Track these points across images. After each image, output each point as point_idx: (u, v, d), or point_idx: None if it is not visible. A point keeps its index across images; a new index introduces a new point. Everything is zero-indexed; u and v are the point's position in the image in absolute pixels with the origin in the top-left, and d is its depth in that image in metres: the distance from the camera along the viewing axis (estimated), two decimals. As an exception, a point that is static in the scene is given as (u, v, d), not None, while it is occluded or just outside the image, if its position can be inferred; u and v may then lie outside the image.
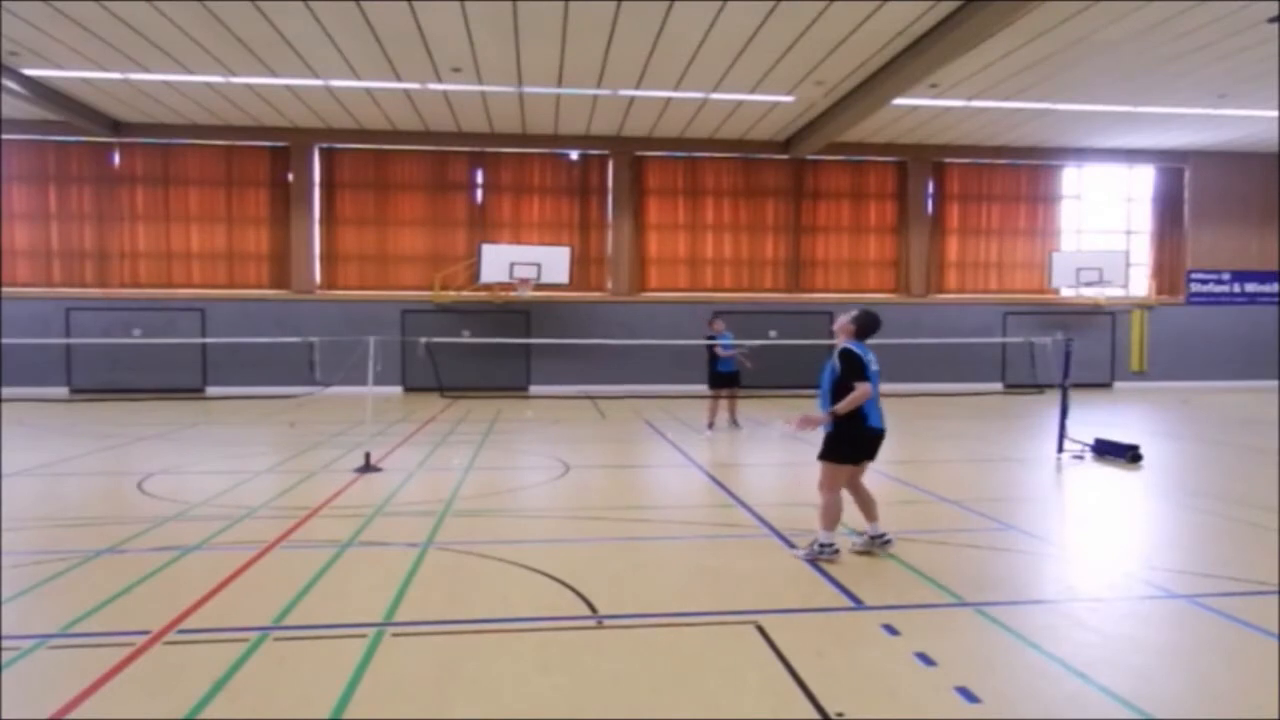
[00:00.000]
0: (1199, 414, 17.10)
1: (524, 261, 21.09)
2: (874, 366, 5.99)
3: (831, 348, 6.15)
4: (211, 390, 21.52)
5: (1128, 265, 23.43)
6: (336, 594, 5.31)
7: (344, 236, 22.46)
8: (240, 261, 22.18)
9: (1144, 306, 24.24)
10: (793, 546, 6.22)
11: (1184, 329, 24.34)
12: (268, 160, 22.15)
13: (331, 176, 22.36)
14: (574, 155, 22.95)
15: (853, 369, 5.87)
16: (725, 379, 13.79)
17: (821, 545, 5.92)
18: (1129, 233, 24.71)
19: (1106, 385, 24.02)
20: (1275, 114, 19.74)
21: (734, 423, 14.01)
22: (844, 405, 5.83)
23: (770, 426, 14.45)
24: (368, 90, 18.46)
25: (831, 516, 5.96)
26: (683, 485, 9.49)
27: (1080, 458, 10.79)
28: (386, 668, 4.13)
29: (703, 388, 14.65)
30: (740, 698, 3.84)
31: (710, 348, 13.85)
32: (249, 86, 18.19)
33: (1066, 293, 23.87)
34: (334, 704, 3.74)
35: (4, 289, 21.05)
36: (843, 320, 6.15)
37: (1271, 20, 14.26)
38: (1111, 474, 9.87)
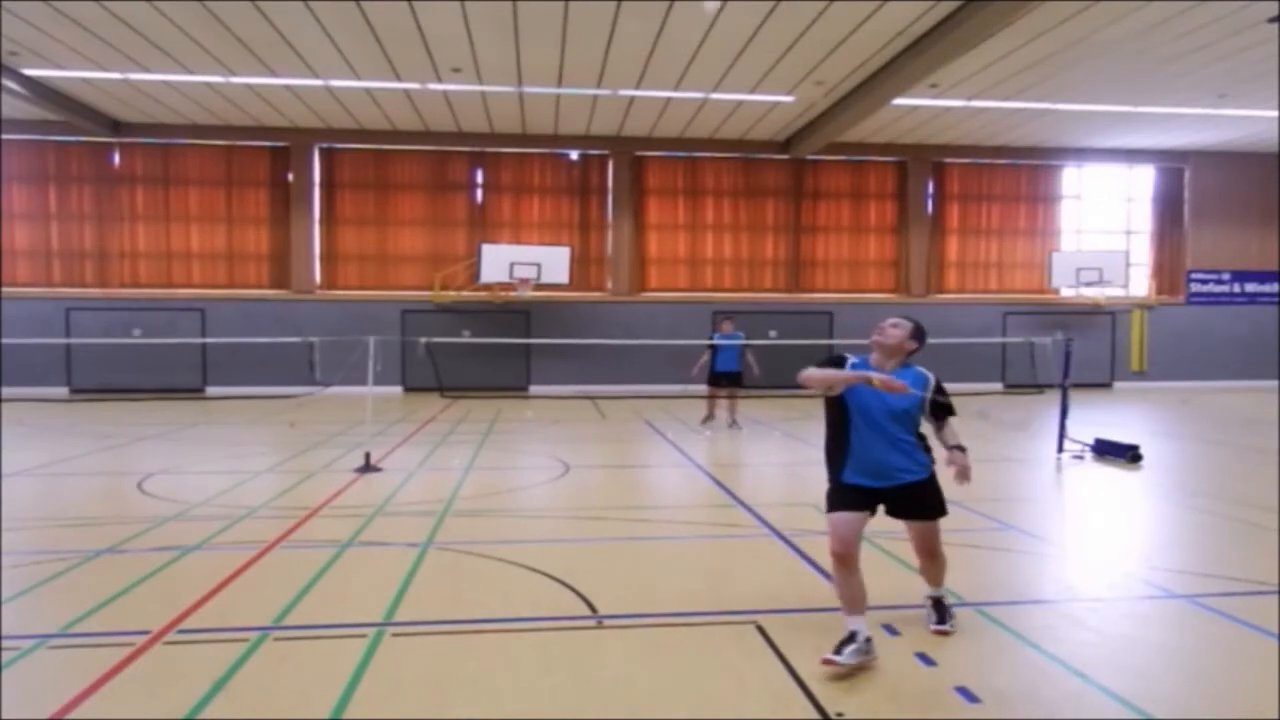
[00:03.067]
0: (1199, 414, 17.10)
1: (524, 261, 21.09)
2: None
3: (830, 350, 4.88)
4: (211, 390, 21.52)
5: (1128, 265, 23.43)
6: (336, 594, 5.31)
7: (344, 236, 22.46)
8: (240, 261, 22.17)
9: (1144, 306, 24.24)
10: (940, 621, 4.61)
11: (1184, 329, 24.33)
12: (268, 160, 22.14)
13: (331, 176, 22.36)
14: (574, 155, 22.95)
15: (949, 399, 4.63)
16: (719, 377, 14.07)
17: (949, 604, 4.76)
18: (1129, 233, 24.71)
19: (1106, 385, 24.02)
20: (1275, 114, 19.73)
21: (734, 423, 14.02)
22: (958, 437, 4.65)
23: (770, 426, 14.45)
24: (368, 90, 18.46)
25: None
26: (683, 485, 9.49)
27: (1080, 458, 10.79)
28: (386, 668, 4.13)
29: (703, 388, 14.76)
30: (740, 698, 3.84)
31: (709, 346, 14.34)
32: (249, 86, 18.19)
33: (1066, 293, 23.86)
34: (334, 704, 3.74)
35: (4, 289, 21.05)
36: (898, 334, 4.59)
37: (1271, 20, 14.25)
38: (1111, 474, 9.87)
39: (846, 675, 3.99)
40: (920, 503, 4.51)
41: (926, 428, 4.63)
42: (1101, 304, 23.77)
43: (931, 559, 4.67)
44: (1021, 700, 3.81)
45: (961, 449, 4.57)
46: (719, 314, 15.83)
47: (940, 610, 4.64)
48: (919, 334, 4.65)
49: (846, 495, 4.43)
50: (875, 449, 4.42)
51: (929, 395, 4.54)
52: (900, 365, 4.58)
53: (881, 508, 4.52)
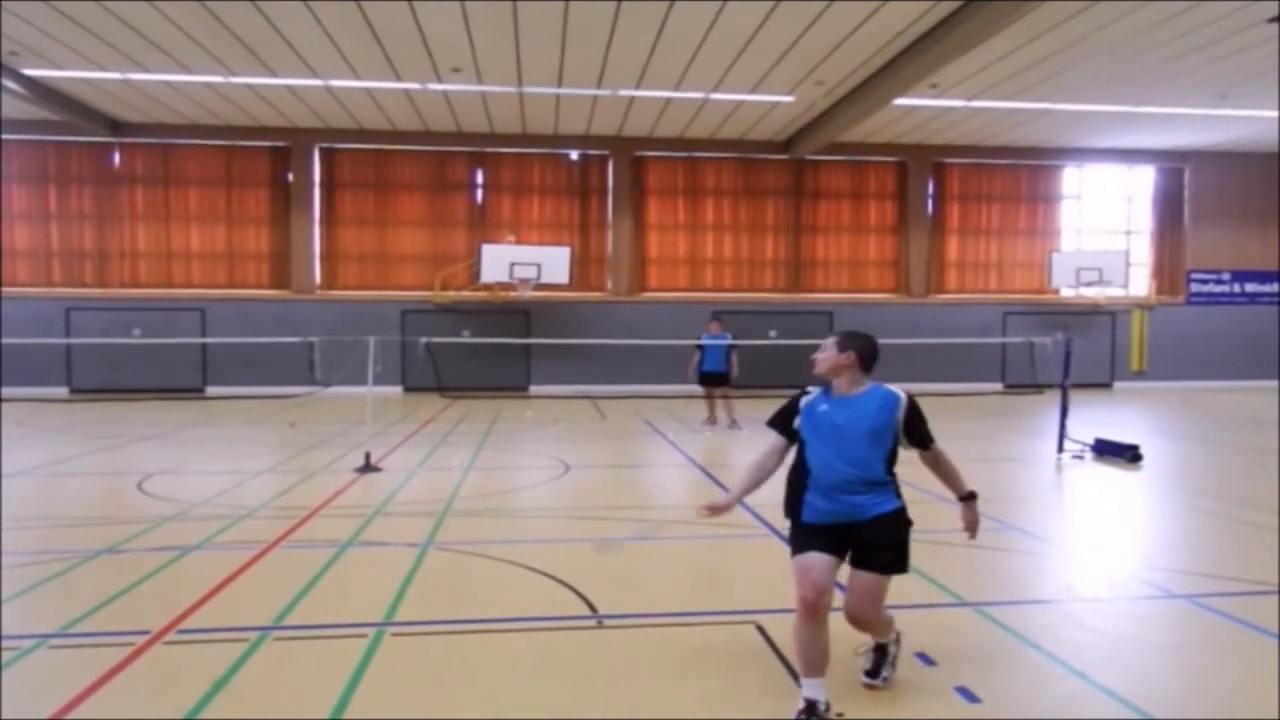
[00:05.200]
0: (1199, 414, 17.10)
1: (524, 262, 21.09)
2: None
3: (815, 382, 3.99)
4: (211, 390, 21.51)
5: (1128, 265, 23.40)
6: (336, 594, 5.32)
7: (344, 236, 22.45)
8: (240, 261, 22.17)
9: (1144, 306, 24.23)
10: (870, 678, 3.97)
11: (1184, 329, 24.31)
12: (268, 160, 22.13)
13: (331, 176, 22.35)
14: (574, 155, 22.95)
15: (927, 423, 3.90)
16: (705, 378, 14.32)
17: (895, 644, 4.06)
18: (1129, 233, 24.69)
19: (1106, 385, 24.01)
20: (1275, 114, 19.72)
21: (733, 423, 14.04)
22: (961, 478, 4.00)
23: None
24: (368, 90, 18.45)
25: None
26: (683, 485, 9.49)
27: (1080, 458, 10.79)
28: (386, 668, 4.13)
29: (701, 389, 14.86)
30: (740, 697, 3.84)
31: (696, 347, 14.63)
32: (249, 86, 18.18)
33: (1066, 293, 23.85)
34: (334, 704, 3.74)
35: (4, 289, 21.04)
36: (824, 357, 3.92)
37: (1271, 20, 14.24)
38: (1111, 474, 9.87)
39: (846, 675, 3.99)
40: (876, 544, 3.77)
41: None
42: (1101, 304, 23.76)
43: (863, 627, 3.90)
44: (1021, 700, 3.81)
45: (972, 497, 3.98)
46: (717, 314, 16.01)
47: (877, 657, 3.98)
48: (849, 341, 3.88)
49: (810, 536, 3.80)
50: (833, 482, 3.77)
51: (900, 418, 3.81)
52: (854, 385, 3.87)
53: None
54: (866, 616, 3.82)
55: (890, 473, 3.84)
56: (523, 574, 5.72)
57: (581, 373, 22.34)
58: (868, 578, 3.77)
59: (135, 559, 6.05)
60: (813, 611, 3.60)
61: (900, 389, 3.89)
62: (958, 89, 18.13)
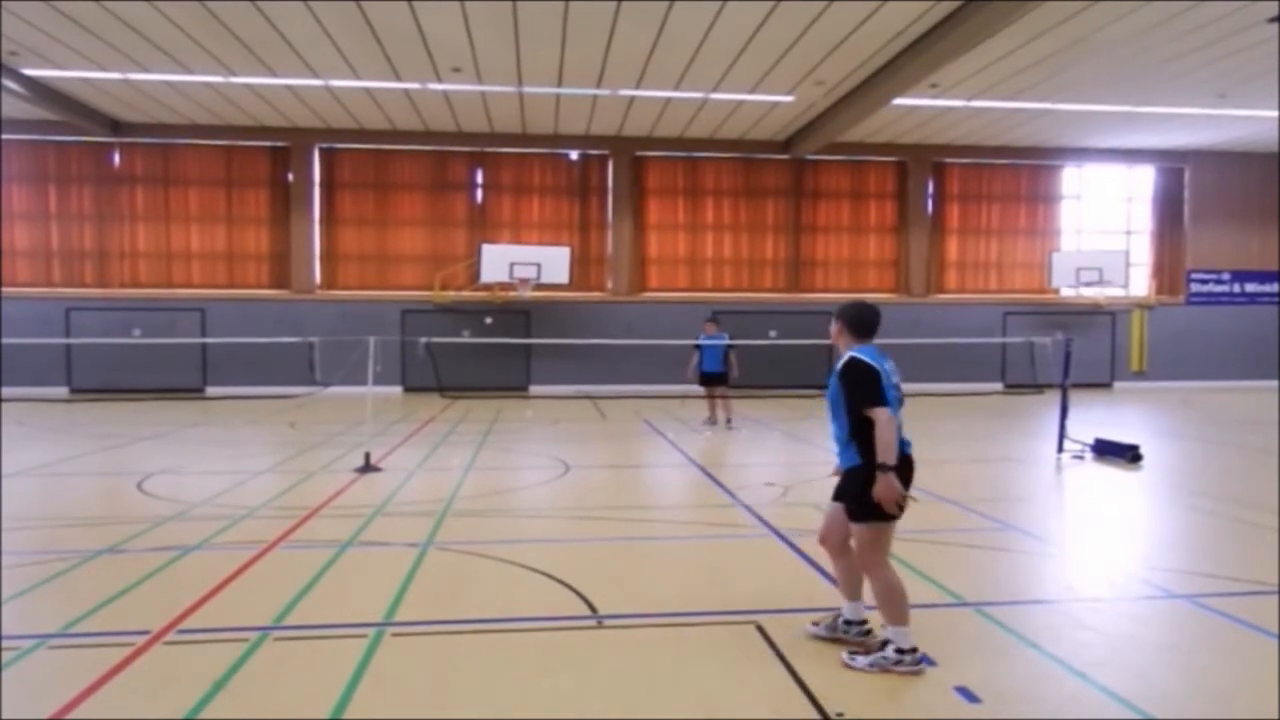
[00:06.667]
0: (1199, 414, 17.10)
1: (524, 261, 21.09)
2: (894, 379, 4.23)
3: (830, 354, 4.67)
4: (211, 390, 21.51)
5: (1128, 265, 23.40)
6: (336, 594, 5.32)
7: (344, 236, 22.45)
8: (240, 261, 22.17)
9: (1144, 306, 24.23)
10: (854, 656, 4.16)
11: (1184, 329, 24.32)
12: (268, 160, 22.13)
13: (331, 176, 22.35)
14: (574, 155, 22.95)
15: (865, 388, 4.07)
16: (704, 378, 14.39)
17: (900, 651, 4.06)
18: (1129, 233, 24.69)
19: (1106, 385, 24.01)
20: (1275, 114, 19.73)
21: (729, 423, 14.05)
22: (884, 449, 3.99)
23: (769, 426, 14.45)
24: (368, 90, 18.45)
25: (901, 601, 4.13)
26: (683, 485, 9.49)
27: (1080, 458, 10.79)
28: (386, 668, 4.13)
29: (701, 389, 14.86)
30: (740, 698, 3.84)
31: (694, 347, 14.73)
32: (249, 86, 18.19)
33: (1066, 293, 23.85)
34: (334, 704, 3.74)
35: (4, 289, 21.04)
36: (831, 330, 4.45)
37: (1271, 20, 14.25)
38: (1111, 474, 9.87)
39: (846, 675, 3.99)
40: (842, 493, 4.33)
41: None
42: (1101, 304, 23.77)
43: (863, 572, 4.35)
44: (1021, 700, 3.81)
45: (883, 469, 3.99)
46: (718, 314, 16.06)
47: (878, 652, 4.10)
48: (847, 313, 4.33)
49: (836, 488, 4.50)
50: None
51: (839, 382, 4.14)
52: (845, 352, 4.37)
53: None
54: (858, 562, 4.34)
55: (857, 431, 4.16)
56: (523, 574, 5.72)
57: (581, 373, 22.35)
58: (850, 525, 4.31)
59: (135, 559, 6.05)
60: (822, 547, 4.59)
61: (851, 355, 4.22)
62: (958, 89, 18.13)
